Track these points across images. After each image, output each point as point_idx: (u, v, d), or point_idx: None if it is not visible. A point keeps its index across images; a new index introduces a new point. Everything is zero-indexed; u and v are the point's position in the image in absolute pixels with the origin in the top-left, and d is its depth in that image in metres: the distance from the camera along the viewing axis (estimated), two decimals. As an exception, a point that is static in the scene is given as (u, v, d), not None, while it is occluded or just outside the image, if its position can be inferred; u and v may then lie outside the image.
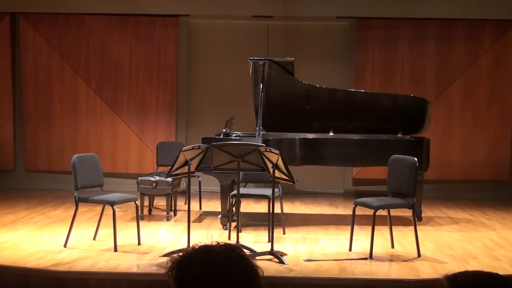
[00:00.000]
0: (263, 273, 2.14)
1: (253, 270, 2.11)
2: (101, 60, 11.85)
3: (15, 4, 11.81)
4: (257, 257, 6.71)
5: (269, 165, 6.88)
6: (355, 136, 9.07)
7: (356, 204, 7.41)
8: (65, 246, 7.34)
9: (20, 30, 11.89)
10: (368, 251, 7.05)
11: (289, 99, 9.33)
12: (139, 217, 7.85)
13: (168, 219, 9.08)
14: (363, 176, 11.49)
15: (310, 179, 11.32)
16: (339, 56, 11.81)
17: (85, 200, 7.55)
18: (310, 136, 9.07)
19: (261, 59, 9.09)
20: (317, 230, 8.46)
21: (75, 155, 7.67)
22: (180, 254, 2.15)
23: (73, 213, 7.54)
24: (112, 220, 7.33)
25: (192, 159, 6.99)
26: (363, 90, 10.19)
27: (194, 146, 7.09)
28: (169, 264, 2.13)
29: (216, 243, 2.14)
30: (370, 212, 7.21)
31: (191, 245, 6.68)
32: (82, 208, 8.64)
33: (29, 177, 12.01)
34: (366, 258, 6.93)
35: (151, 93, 11.82)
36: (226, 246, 2.14)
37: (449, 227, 8.88)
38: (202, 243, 2.16)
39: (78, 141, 11.82)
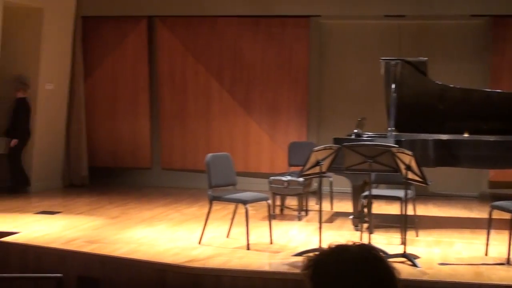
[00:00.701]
0: (399, 274, 2.13)
1: (390, 271, 2.09)
2: (233, 61, 12.06)
3: (152, 8, 12.21)
4: (389, 259, 6.62)
5: (402, 167, 6.79)
6: (492, 138, 8.79)
7: (492, 208, 7.20)
8: (199, 243, 7.53)
9: (157, 33, 12.28)
10: (505, 256, 6.83)
11: (421, 100, 9.16)
12: (271, 216, 7.94)
13: (299, 218, 9.13)
14: (500, 179, 11.12)
15: (444, 181, 11.06)
16: (473, 55, 11.50)
17: (219, 199, 7.70)
18: (444, 137, 8.87)
19: (393, 59, 8.98)
20: (451, 234, 8.27)
21: (209, 154, 7.85)
22: (316, 253, 2.15)
23: (207, 211, 7.72)
24: (244, 218, 7.44)
25: (323, 159, 7.00)
26: (499, 90, 9.87)
27: (325, 147, 7.10)
28: (305, 263, 2.12)
29: (351, 243, 2.13)
30: (507, 216, 6.98)
31: (323, 245, 6.69)
32: (216, 206, 8.80)
33: (165, 175, 12.38)
34: (503, 264, 6.72)
35: (283, 93, 11.91)
36: (362, 246, 2.12)
37: None
38: (337, 243, 2.15)
39: (211, 141, 12.07)
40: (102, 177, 12.37)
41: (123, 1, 12.31)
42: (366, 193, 7.89)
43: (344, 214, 9.31)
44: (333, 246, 2.12)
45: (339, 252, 2.10)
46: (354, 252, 2.09)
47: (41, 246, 7.39)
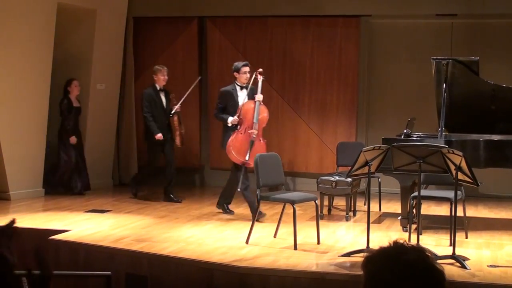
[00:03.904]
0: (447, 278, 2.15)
1: (441, 273, 2.11)
2: (283, 61, 12.05)
3: (203, 8, 12.28)
4: (438, 261, 6.54)
5: (452, 167, 6.71)
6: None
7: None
8: (246, 242, 7.54)
9: (207, 33, 12.35)
10: (558, 259, 6.71)
11: (473, 100, 9.03)
12: (318, 217, 7.91)
13: (347, 219, 9.09)
14: (553, 180, 10.91)
15: (495, 182, 10.89)
16: (528, 55, 11.30)
17: (267, 198, 7.72)
18: (496, 137, 8.73)
19: (444, 59, 8.87)
20: (502, 236, 8.14)
21: (258, 154, 7.87)
22: (372, 252, 2.17)
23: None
24: (292, 218, 7.43)
25: (372, 159, 6.96)
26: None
27: (374, 147, 7.06)
28: (363, 260, 2.17)
29: (405, 242, 2.16)
30: (560, 218, 6.85)
31: (370, 246, 6.65)
32: (264, 206, 8.82)
33: (213, 174, 12.43)
34: (555, 267, 6.59)
35: (332, 93, 11.87)
36: (416, 247, 2.16)
37: None
38: (394, 242, 2.18)
39: (261, 141, 12.06)
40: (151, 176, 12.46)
41: (174, 2, 12.40)
42: (415, 193, 7.82)
43: (393, 215, 9.24)
44: (389, 244, 2.14)
45: (395, 250, 2.12)
46: (408, 250, 2.12)
47: (90, 244, 7.50)
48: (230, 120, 9.30)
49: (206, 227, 8.52)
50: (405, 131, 8.79)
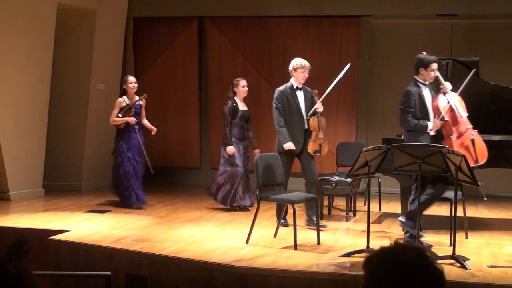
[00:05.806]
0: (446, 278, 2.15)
1: (441, 273, 2.11)
2: (283, 61, 12.01)
3: (203, 8, 12.29)
4: (438, 261, 6.54)
5: (452, 167, 6.70)
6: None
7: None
8: (246, 242, 7.53)
9: (207, 33, 12.35)
10: (558, 259, 6.70)
11: (473, 100, 9.00)
12: (318, 217, 7.91)
13: (347, 219, 9.09)
14: (553, 181, 10.90)
15: (495, 182, 10.88)
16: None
17: (267, 198, 7.71)
18: (495, 138, 8.72)
19: (444, 59, 8.87)
20: (502, 236, 8.14)
21: (257, 154, 7.88)
22: (373, 253, 2.18)
23: (255, 210, 7.72)
24: (292, 218, 7.42)
25: (372, 159, 6.96)
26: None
27: (374, 147, 7.06)
28: (364, 260, 2.17)
29: (405, 242, 2.17)
30: (560, 218, 6.85)
31: (370, 247, 6.64)
32: (264, 206, 8.81)
33: (213, 174, 12.39)
34: (555, 267, 6.59)
35: (332, 93, 11.80)
36: (416, 246, 2.17)
37: None
38: (394, 243, 2.18)
39: (261, 141, 12.04)
40: (151, 176, 12.45)
41: (174, 2, 12.41)
42: (415, 194, 7.81)
43: (393, 215, 9.23)
44: (390, 247, 2.15)
45: (395, 250, 2.13)
46: (409, 250, 2.12)
47: (91, 244, 7.50)
48: (431, 125, 7.58)
49: (206, 227, 8.52)
50: (405, 131, 8.77)
